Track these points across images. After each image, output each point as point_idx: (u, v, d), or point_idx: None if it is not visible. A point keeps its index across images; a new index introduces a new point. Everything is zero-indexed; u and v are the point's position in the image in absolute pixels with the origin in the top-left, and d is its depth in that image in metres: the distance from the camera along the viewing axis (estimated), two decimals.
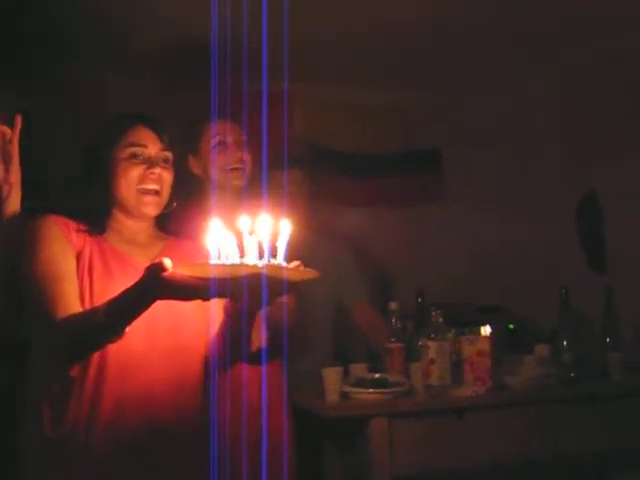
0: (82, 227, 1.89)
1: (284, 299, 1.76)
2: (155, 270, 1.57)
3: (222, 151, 2.55)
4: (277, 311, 1.86)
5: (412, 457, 2.67)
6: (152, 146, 1.94)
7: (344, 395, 2.71)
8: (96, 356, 1.77)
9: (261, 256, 1.55)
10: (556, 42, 3.85)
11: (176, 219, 2.02)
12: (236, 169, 2.55)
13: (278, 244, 1.57)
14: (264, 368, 2.04)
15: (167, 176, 1.95)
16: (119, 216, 1.96)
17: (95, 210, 1.94)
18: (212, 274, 1.53)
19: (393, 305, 2.99)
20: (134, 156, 1.93)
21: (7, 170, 1.89)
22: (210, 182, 2.53)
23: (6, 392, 2.17)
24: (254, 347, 1.87)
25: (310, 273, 1.61)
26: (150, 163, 1.93)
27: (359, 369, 2.92)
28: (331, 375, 2.72)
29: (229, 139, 2.56)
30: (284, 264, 1.57)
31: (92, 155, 1.97)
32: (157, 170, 1.93)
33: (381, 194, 4.65)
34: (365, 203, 4.56)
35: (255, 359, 1.91)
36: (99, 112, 3.59)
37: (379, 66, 4.13)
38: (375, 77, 4.27)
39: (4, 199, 1.89)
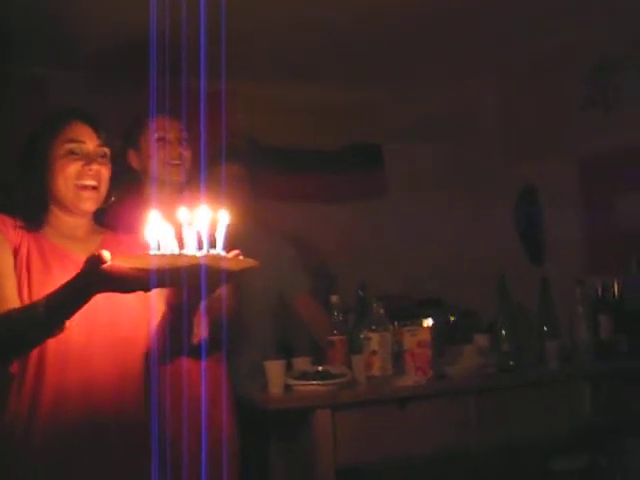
0: (19, 223, 1.88)
1: (224, 289, 1.77)
2: (94, 262, 1.57)
3: (162, 147, 2.55)
4: (217, 303, 1.87)
5: (355, 447, 2.71)
6: (89, 142, 1.94)
7: (288, 388, 2.73)
8: (35, 351, 1.76)
9: (200, 247, 1.56)
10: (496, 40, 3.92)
11: (113, 213, 2.02)
12: (175, 165, 2.55)
13: (217, 234, 1.58)
14: (204, 361, 2.05)
15: (105, 171, 1.95)
16: (57, 212, 1.94)
17: (32, 206, 1.92)
18: (152, 265, 1.54)
19: (334, 298, 3.02)
20: (71, 152, 1.92)
21: None
22: (149, 177, 2.53)
23: None
24: (195, 339, 1.88)
25: (249, 262, 1.63)
26: (88, 159, 1.92)
27: (302, 362, 2.94)
28: (274, 368, 2.73)
29: (169, 135, 2.56)
30: (223, 254, 1.58)
31: (28, 151, 1.96)
32: (95, 166, 1.92)
33: (324, 190, 4.69)
34: (307, 199, 4.58)
35: (196, 352, 1.92)
36: (37, 107, 3.54)
37: (320, 63, 4.16)
38: (316, 74, 4.30)
39: None
